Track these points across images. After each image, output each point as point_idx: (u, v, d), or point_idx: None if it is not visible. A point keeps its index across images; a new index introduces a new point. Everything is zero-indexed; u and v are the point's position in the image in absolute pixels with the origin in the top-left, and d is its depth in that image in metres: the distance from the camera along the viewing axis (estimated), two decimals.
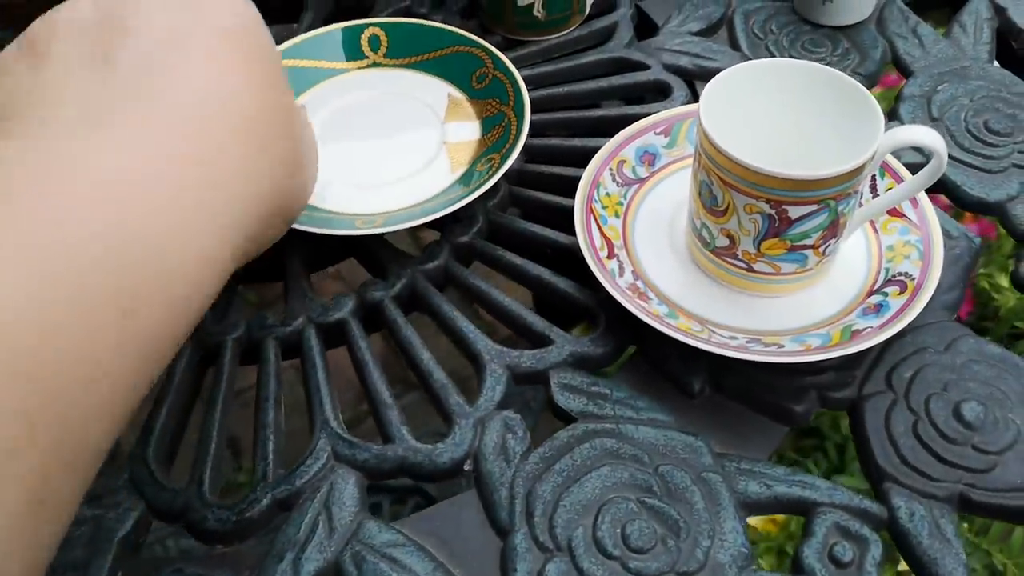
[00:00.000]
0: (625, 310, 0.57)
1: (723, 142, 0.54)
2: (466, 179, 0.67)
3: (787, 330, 0.59)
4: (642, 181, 0.66)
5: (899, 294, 0.59)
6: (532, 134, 0.72)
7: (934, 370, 0.58)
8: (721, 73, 0.58)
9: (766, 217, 0.55)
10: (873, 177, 0.66)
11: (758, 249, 0.57)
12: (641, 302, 0.58)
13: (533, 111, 0.74)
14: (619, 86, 0.77)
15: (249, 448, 0.55)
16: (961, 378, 0.58)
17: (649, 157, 0.67)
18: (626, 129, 0.67)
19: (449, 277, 0.64)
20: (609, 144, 0.66)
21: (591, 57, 0.79)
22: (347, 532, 0.51)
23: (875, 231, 0.64)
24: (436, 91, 0.75)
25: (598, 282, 0.58)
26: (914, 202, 0.63)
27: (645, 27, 0.84)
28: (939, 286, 0.62)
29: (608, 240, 0.62)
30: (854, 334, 0.57)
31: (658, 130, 0.68)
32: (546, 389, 0.58)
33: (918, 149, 0.71)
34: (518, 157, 0.69)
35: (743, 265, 0.59)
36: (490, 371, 0.58)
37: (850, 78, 0.58)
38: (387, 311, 0.62)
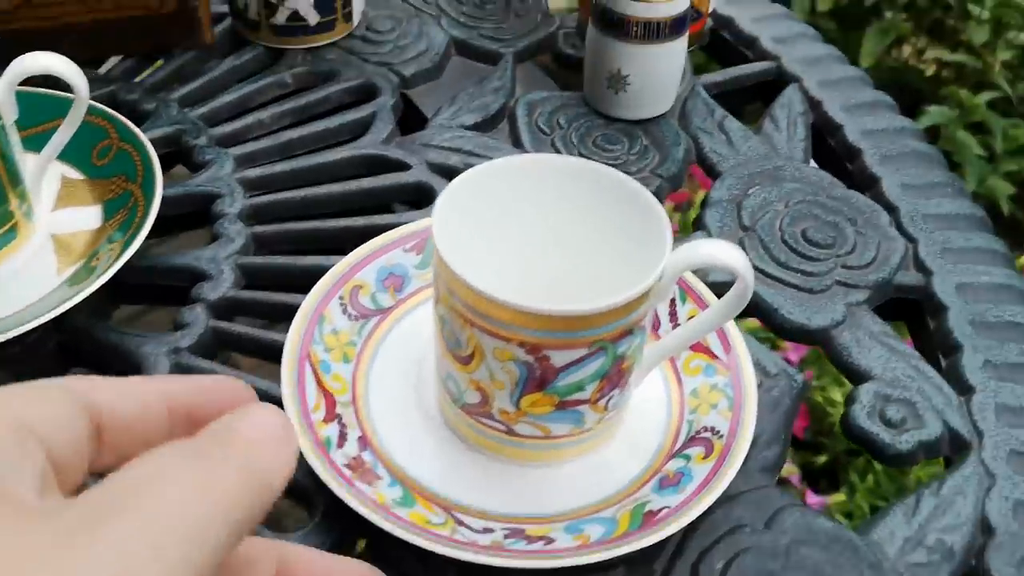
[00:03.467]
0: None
1: (462, 267, 0.40)
2: (77, 278, 0.52)
3: (560, 514, 0.45)
4: (384, 312, 0.52)
5: (704, 458, 0.46)
6: (256, 250, 0.57)
7: (753, 558, 0.45)
8: (465, 173, 0.45)
9: (523, 365, 0.42)
10: (673, 302, 0.53)
11: (517, 407, 0.44)
12: (363, 484, 0.44)
13: (258, 220, 0.59)
14: (370, 190, 0.63)
15: None
16: (787, 566, 0.45)
17: (395, 280, 0.53)
18: (366, 244, 0.53)
19: None
20: (341, 264, 0.52)
21: (339, 154, 0.65)
22: None
23: (676, 372, 0.51)
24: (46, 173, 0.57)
25: None
26: (721, 335, 0.51)
27: (412, 120, 0.71)
28: (755, 442, 0.49)
29: (328, 395, 0.47)
30: (647, 517, 0.44)
31: (408, 245, 0.54)
32: None
33: None
34: (231, 282, 0.54)
35: (501, 427, 0.45)
36: None
37: (632, 180, 0.46)
38: None
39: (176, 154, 0.66)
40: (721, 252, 0.43)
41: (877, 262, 0.60)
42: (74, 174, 0.59)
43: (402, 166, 0.64)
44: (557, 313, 0.40)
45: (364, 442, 0.46)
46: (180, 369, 0.50)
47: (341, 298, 0.51)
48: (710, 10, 0.77)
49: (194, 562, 0.25)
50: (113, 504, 0.25)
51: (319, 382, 0.47)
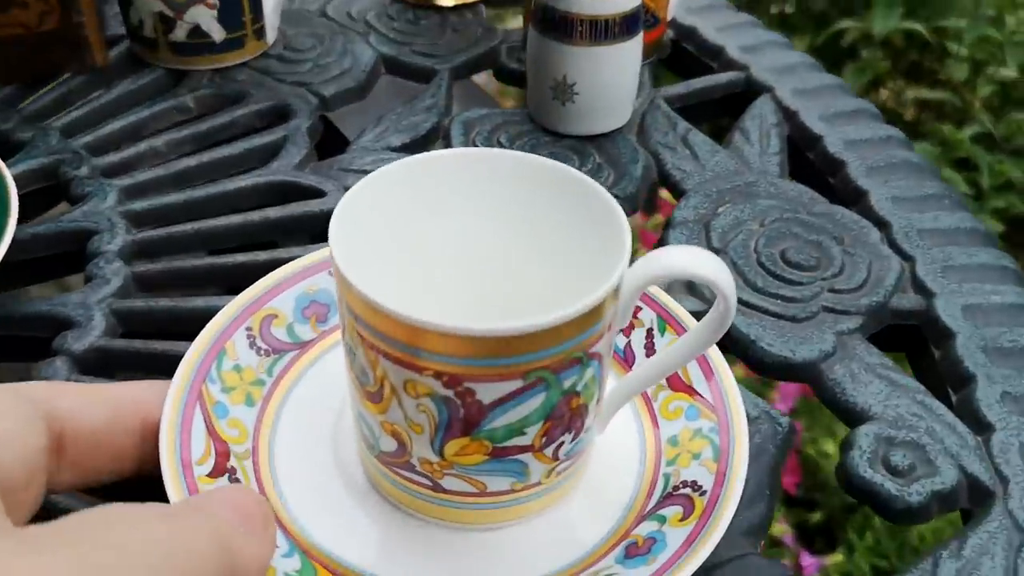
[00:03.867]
0: None
1: (359, 280, 0.32)
2: None
3: None
4: (303, 347, 0.43)
5: (682, 520, 0.37)
6: (138, 293, 0.48)
7: None
8: (371, 174, 0.37)
9: (441, 403, 0.33)
10: (650, 333, 0.44)
11: (441, 455, 0.34)
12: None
13: (149, 256, 0.50)
14: (277, 220, 0.54)
15: None
16: None
17: (318, 309, 0.43)
18: (284, 267, 0.44)
19: None
20: (253, 289, 0.43)
21: (242, 182, 0.56)
22: None
23: (652, 414, 0.42)
24: None
25: None
26: (706, 368, 0.41)
27: (333, 145, 0.62)
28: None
29: (220, 443, 0.38)
30: None
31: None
32: None
33: (694, 289, 0.50)
34: (101, 330, 0.46)
35: (425, 482, 0.36)
36: None
37: (582, 175, 0.37)
38: None
39: (55, 189, 0.57)
40: (694, 261, 0.34)
41: (869, 284, 0.51)
42: None
43: (316, 193, 0.55)
44: (477, 334, 0.31)
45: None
46: None
47: (249, 329, 0.41)
48: (669, 18, 0.69)
49: None
50: (79, 528, 0.24)
51: (210, 428, 0.38)
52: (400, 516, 0.38)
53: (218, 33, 0.63)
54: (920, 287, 0.51)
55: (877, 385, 0.46)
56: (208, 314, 0.43)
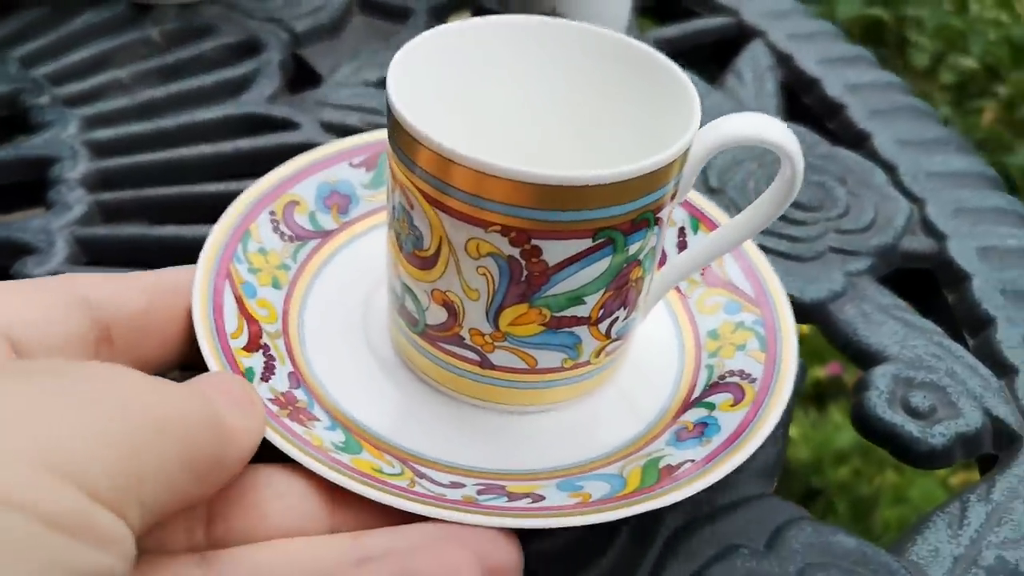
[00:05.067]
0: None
1: (423, 122, 0.30)
2: None
3: (550, 470, 0.35)
4: (326, 236, 0.41)
5: (733, 405, 0.36)
6: (103, 219, 0.45)
7: None
8: (422, 35, 0.35)
9: (505, 263, 0.32)
10: (682, 231, 0.42)
11: (496, 325, 0.33)
12: (294, 424, 0.33)
13: (114, 185, 0.47)
14: (248, 152, 0.50)
15: None
16: None
17: (340, 200, 0.42)
18: (304, 155, 0.42)
19: None
20: (272, 175, 0.41)
21: (212, 113, 0.52)
22: None
23: (688, 311, 0.41)
24: None
25: None
26: (744, 265, 0.41)
27: (305, 82, 0.58)
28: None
29: (252, 322, 0.36)
30: (665, 472, 0.33)
31: (356, 160, 0.43)
32: None
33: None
34: (64, 256, 0.43)
35: (473, 357, 0.35)
36: None
37: (649, 48, 0.36)
38: None
39: (13, 119, 0.53)
40: (761, 125, 0.33)
41: (877, 225, 0.49)
42: None
43: (289, 125, 0.52)
44: (553, 180, 0.29)
45: (296, 378, 0.36)
46: None
47: (272, 213, 0.40)
48: None
49: (140, 469, 0.23)
50: (81, 370, 0.25)
51: (241, 306, 0.37)
52: (440, 396, 0.37)
53: None
54: (931, 229, 0.49)
55: (892, 326, 0.43)
56: (175, 243, 0.40)
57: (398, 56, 0.33)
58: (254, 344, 0.36)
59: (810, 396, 1.25)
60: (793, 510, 0.36)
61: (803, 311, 0.44)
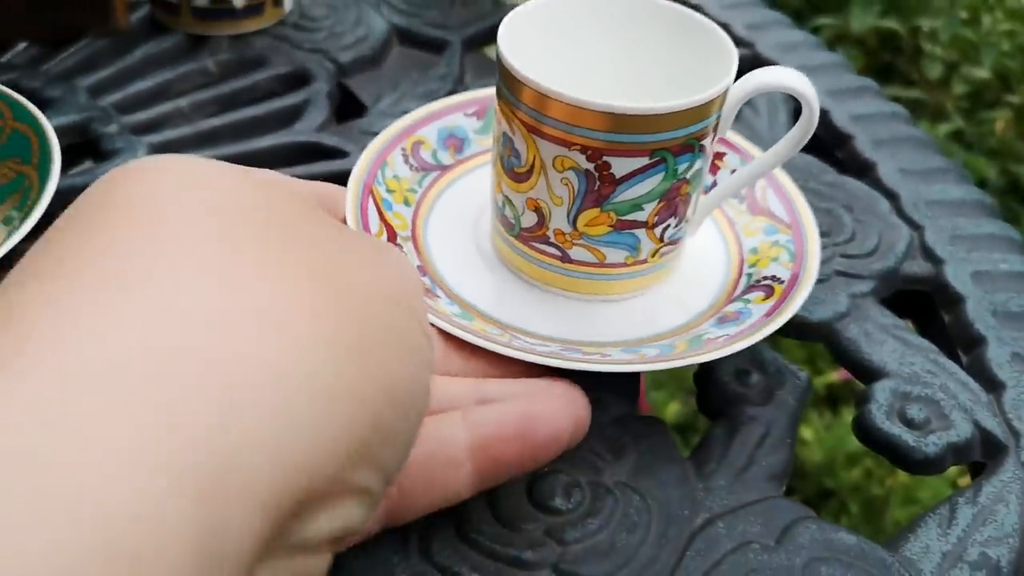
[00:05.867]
0: None
1: (526, 69, 0.41)
2: None
3: (616, 341, 0.45)
4: (444, 169, 0.52)
5: (764, 299, 0.46)
6: None
7: None
8: (525, 3, 0.46)
9: (583, 176, 0.42)
10: (734, 172, 0.51)
11: (574, 225, 0.44)
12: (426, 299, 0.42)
13: None
14: (303, 178, 0.54)
15: None
16: None
17: (456, 142, 0.53)
18: (427, 106, 0.53)
19: None
20: (404, 120, 0.52)
21: (268, 142, 0.57)
22: None
23: (735, 233, 0.51)
24: None
25: None
26: (783, 197, 0.51)
27: (350, 110, 0.63)
28: (761, 445, 0.42)
29: (390, 227, 0.48)
30: (707, 343, 0.43)
31: (469, 111, 0.54)
32: None
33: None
34: None
35: (556, 252, 0.45)
36: None
37: (693, 12, 0.46)
38: None
39: (83, 146, 0.57)
40: (783, 76, 0.44)
41: (880, 251, 0.53)
42: None
43: (339, 153, 0.57)
44: (620, 110, 0.39)
45: (423, 270, 0.47)
46: None
47: (403, 149, 0.51)
48: None
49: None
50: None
51: (381, 215, 0.47)
52: (530, 287, 0.47)
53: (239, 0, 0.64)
54: (929, 254, 0.53)
55: (892, 344, 0.48)
56: None
57: (505, 22, 0.44)
58: (392, 242, 0.46)
59: (823, 399, 1.29)
60: (800, 510, 0.40)
61: (811, 330, 0.48)
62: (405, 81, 0.63)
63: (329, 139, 0.57)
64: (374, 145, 0.50)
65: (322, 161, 0.56)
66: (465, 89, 0.63)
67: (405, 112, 0.59)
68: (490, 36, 0.70)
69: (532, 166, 0.43)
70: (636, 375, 0.45)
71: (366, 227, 0.46)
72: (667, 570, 0.37)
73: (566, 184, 0.42)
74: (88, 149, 0.57)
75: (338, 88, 0.63)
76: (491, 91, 0.52)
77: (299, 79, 0.63)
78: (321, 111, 0.60)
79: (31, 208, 0.45)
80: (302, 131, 0.58)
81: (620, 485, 0.40)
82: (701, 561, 0.38)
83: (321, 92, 0.61)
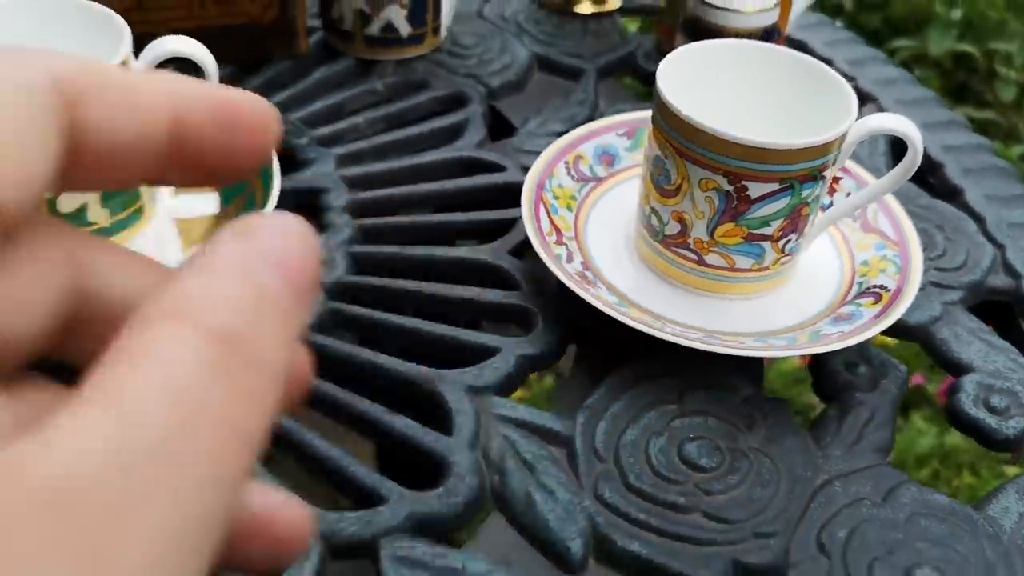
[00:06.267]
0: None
1: (685, 107, 0.50)
2: None
3: (745, 333, 0.54)
4: (599, 180, 0.62)
5: (874, 303, 0.54)
6: (363, 240, 0.59)
7: (875, 528, 0.46)
8: (677, 50, 0.55)
9: (723, 195, 0.51)
10: (849, 195, 0.61)
11: (712, 235, 0.53)
12: (589, 288, 0.53)
13: (364, 214, 0.61)
14: (469, 188, 0.64)
15: None
16: (908, 537, 0.45)
17: (608, 157, 0.63)
18: (584, 126, 0.63)
19: None
20: (565, 138, 0.62)
21: (435, 156, 0.66)
22: None
23: (848, 247, 0.60)
24: None
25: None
26: (891, 220, 0.59)
27: (499, 129, 0.72)
28: (868, 424, 0.50)
29: (557, 229, 0.57)
30: (823, 337, 0.52)
31: (620, 131, 0.64)
32: (374, 564, 0.43)
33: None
34: (344, 268, 0.56)
35: (694, 257, 0.54)
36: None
37: (820, 62, 0.55)
38: None
39: (282, 157, 0.67)
40: (894, 121, 0.53)
41: (968, 266, 0.61)
42: None
43: (496, 167, 0.66)
44: (759, 144, 0.49)
45: (585, 264, 0.56)
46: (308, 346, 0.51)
47: (566, 163, 0.61)
48: (785, 33, 0.79)
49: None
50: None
51: (550, 218, 0.57)
52: (670, 286, 0.57)
53: (405, 29, 0.73)
54: (1010, 270, 0.61)
55: (978, 345, 0.56)
56: (423, 261, 0.55)
57: (662, 65, 0.53)
58: (559, 241, 0.56)
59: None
60: (902, 476, 0.49)
61: (910, 331, 0.57)
62: (548, 105, 0.73)
63: (488, 155, 0.67)
64: (542, 158, 0.59)
65: (483, 174, 0.65)
66: (601, 113, 0.72)
67: (551, 133, 0.69)
68: (619, 65, 0.79)
69: (680, 185, 0.52)
70: (760, 363, 0.54)
71: (539, 226, 0.55)
72: (795, 518, 0.46)
73: (708, 201, 0.52)
74: (286, 160, 0.67)
75: (488, 109, 0.73)
76: (637, 115, 0.63)
77: (456, 100, 0.73)
78: (478, 130, 0.69)
79: (262, 207, 0.55)
80: (463, 147, 0.67)
81: (753, 450, 0.49)
82: (822, 512, 0.46)
83: (476, 113, 0.71)
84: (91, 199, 0.51)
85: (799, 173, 0.50)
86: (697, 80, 0.55)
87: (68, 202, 0.50)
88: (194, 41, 0.53)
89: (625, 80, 0.82)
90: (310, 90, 0.72)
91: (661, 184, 0.53)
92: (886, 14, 2.22)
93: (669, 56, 0.54)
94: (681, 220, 0.53)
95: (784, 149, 0.49)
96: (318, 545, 0.43)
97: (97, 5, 0.52)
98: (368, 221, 0.61)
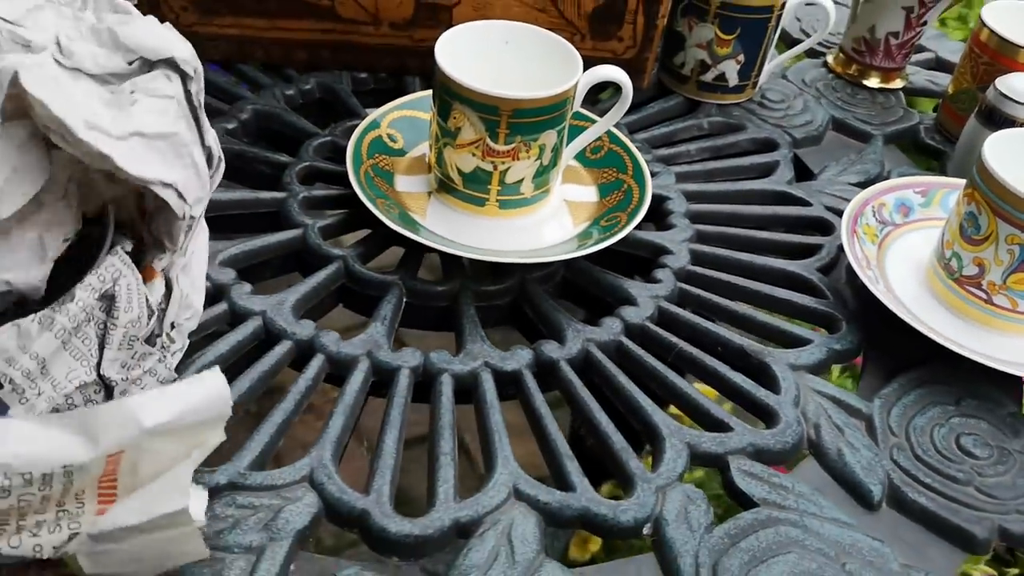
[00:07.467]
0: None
1: (1005, 173, 0.63)
2: (586, 234, 0.70)
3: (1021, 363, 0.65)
4: (896, 226, 0.75)
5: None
6: (699, 241, 0.73)
7: None
8: (998, 134, 0.68)
9: (1023, 249, 0.63)
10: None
11: (1004, 281, 0.65)
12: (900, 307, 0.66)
13: (701, 221, 0.75)
14: (782, 216, 0.78)
15: None
16: None
17: (905, 209, 0.76)
18: (886, 182, 0.77)
19: (622, 353, 0.63)
20: (871, 189, 0.76)
21: (755, 186, 0.80)
22: (529, 568, 0.49)
23: None
24: None
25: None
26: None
27: (800, 174, 0.86)
28: None
29: (866, 256, 0.70)
30: None
31: (917, 189, 0.77)
32: (724, 473, 0.56)
33: None
34: (687, 260, 0.70)
35: (983, 296, 0.66)
36: (670, 444, 0.57)
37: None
38: (562, 372, 0.61)
39: None
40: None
41: None
42: (572, 163, 0.75)
43: (803, 203, 0.79)
44: None
45: (886, 287, 0.69)
46: (661, 313, 0.66)
47: (873, 207, 0.74)
48: None
49: None
50: None
51: (861, 249, 0.71)
52: (956, 318, 0.68)
53: (733, 80, 0.88)
54: None
55: None
56: (750, 266, 0.68)
57: (987, 143, 0.65)
58: (868, 267, 0.69)
59: None
60: None
61: None
62: (843, 159, 0.86)
63: (796, 191, 0.80)
64: (856, 200, 0.73)
65: (793, 206, 0.79)
66: (888, 174, 0.85)
67: (847, 182, 0.82)
68: (904, 135, 0.92)
69: (987, 236, 0.64)
70: (1021, 387, 0.66)
71: (855, 253, 0.68)
72: None
73: (1010, 253, 0.64)
74: None
75: (794, 156, 0.87)
76: (930, 178, 0.76)
77: (766, 144, 0.86)
78: (788, 170, 0.83)
79: (637, 207, 0.69)
80: (777, 182, 0.81)
81: (1018, 452, 0.61)
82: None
83: (786, 156, 0.85)
84: (526, 176, 0.66)
85: None
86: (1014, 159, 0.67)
87: (512, 174, 0.66)
88: (620, 70, 0.68)
89: (903, 145, 0.94)
90: (649, 119, 0.87)
91: (969, 234, 0.65)
92: None
93: (992, 138, 0.66)
94: (980, 264, 0.65)
95: None
96: (685, 450, 0.57)
97: (552, 35, 0.69)
98: (703, 227, 0.75)
